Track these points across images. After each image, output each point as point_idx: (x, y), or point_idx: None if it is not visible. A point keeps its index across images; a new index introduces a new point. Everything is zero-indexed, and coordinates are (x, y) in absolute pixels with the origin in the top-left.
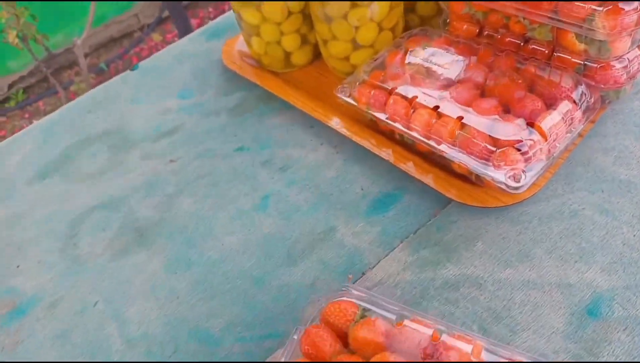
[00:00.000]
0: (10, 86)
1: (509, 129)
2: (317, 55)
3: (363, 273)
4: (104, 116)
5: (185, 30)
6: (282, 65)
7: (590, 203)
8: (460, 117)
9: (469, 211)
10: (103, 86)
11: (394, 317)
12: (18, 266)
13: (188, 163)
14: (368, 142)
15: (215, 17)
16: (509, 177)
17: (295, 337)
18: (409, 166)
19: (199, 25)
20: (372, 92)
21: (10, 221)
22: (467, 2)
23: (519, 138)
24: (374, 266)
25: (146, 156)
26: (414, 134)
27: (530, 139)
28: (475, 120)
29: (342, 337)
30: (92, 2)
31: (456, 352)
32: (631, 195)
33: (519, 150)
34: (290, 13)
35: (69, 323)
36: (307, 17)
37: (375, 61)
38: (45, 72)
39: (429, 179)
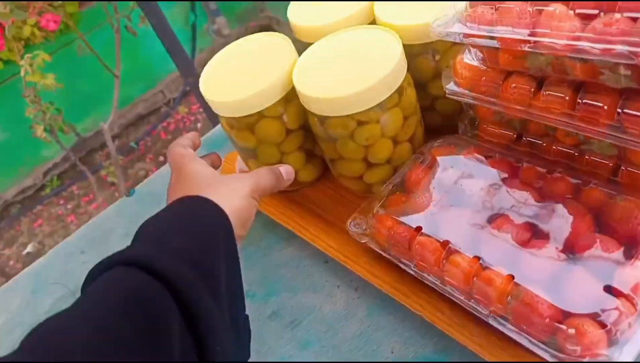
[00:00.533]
0: (45, 175)
1: (579, 289)
2: (326, 167)
3: None
4: (96, 258)
5: (206, 102)
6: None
7: None
8: (511, 277)
9: None
10: (97, 218)
11: None
12: None
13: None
14: (395, 289)
15: None
16: None
17: None
18: (451, 325)
19: None
20: (392, 231)
21: None
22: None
23: (595, 306)
24: None
25: None
26: (450, 289)
27: (613, 309)
28: (531, 275)
29: None
30: (116, 86)
31: None
32: None
33: (601, 325)
34: (288, 131)
35: None
36: (308, 131)
37: (392, 182)
38: (74, 159)
39: (477, 344)
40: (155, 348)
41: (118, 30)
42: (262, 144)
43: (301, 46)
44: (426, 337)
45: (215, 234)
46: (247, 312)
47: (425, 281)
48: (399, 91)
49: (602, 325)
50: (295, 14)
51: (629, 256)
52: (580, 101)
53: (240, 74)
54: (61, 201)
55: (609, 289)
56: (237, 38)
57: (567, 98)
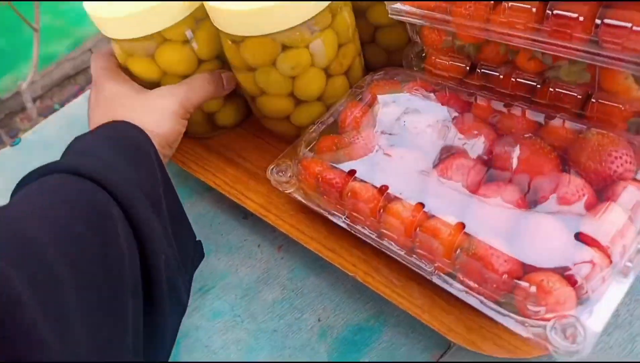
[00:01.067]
0: None
1: (546, 244)
2: (247, 108)
3: None
4: None
5: None
6: (206, 128)
7: None
8: (461, 225)
9: (485, 359)
10: None
11: None
12: None
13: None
14: (324, 247)
15: None
16: (556, 332)
17: None
18: (388, 286)
19: None
20: (321, 176)
21: None
22: (449, 31)
23: (564, 260)
24: None
25: None
26: (388, 244)
27: (586, 262)
28: (486, 227)
29: None
30: (35, 43)
31: None
32: None
33: (569, 281)
34: (200, 61)
35: None
36: (227, 63)
37: (324, 121)
38: None
39: (419, 308)
40: (109, 247)
41: None
42: (167, 76)
43: None
44: (359, 301)
45: (147, 158)
46: None
47: (359, 236)
48: (332, 10)
49: (572, 281)
50: None
51: (602, 199)
52: (550, 12)
53: None
54: None
55: (579, 238)
56: None
57: (534, 10)
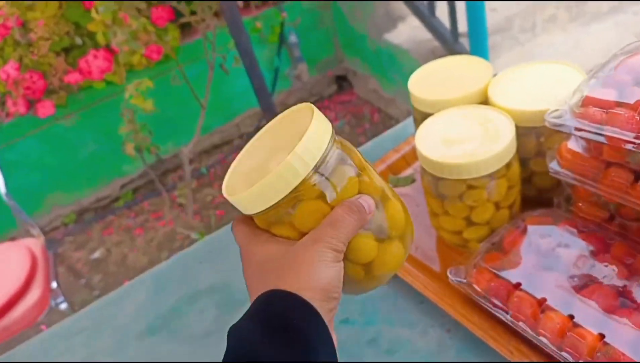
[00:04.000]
0: (122, 187)
1: None
2: None
3: None
4: (213, 269)
5: None
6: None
7: None
8: (602, 336)
9: None
10: (216, 234)
11: None
12: None
13: None
14: (486, 334)
15: None
16: None
17: None
18: None
19: None
20: (492, 283)
21: None
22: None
23: None
24: None
25: None
26: (543, 340)
27: None
28: (619, 338)
29: None
30: (202, 115)
31: None
32: None
33: None
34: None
35: None
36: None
37: (491, 241)
38: (152, 175)
39: None
40: None
41: (212, 67)
42: None
43: (417, 115)
44: None
45: (297, 336)
46: (348, 336)
47: (518, 330)
48: (508, 164)
49: None
50: (414, 84)
51: None
52: None
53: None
54: (132, 214)
55: None
56: (315, 85)
57: None
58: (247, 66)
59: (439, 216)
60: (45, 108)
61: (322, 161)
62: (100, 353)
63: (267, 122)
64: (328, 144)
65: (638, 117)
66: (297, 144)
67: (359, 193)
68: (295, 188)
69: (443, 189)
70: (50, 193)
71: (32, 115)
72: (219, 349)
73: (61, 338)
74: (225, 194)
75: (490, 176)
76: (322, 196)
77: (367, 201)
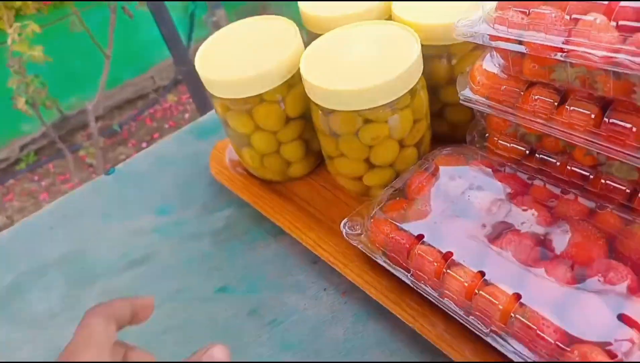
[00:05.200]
0: (22, 149)
1: (591, 320)
2: (322, 160)
3: None
4: (66, 236)
5: (198, 93)
6: (281, 176)
7: None
8: (517, 296)
9: None
10: (71, 194)
11: None
12: None
13: (156, 307)
14: (386, 297)
15: None
16: None
17: None
18: (443, 340)
19: None
20: (392, 234)
21: None
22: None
23: (609, 339)
24: None
25: (107, 293)
26: (448, 303)
27: (626, 340)
28: (539, 299)
29: None
30: (105, 66)
31: None
32: None
33: (609, 353)
34: (288, 119)
35: None
36: (309, 121)
37: (394, 186)
38: (53, 136)
39: (465, 352)
40: None
41: (114, 11)
42: (259, 130)
43: (311, 38)
44: (415, 351)
45: None
46: (225, 308)
47: (420, 292)
48: (412, 92)
49: (612, 355)
50: (306, 3)
51: None
52: (607, 119)
53: (240, 54)
54: (35, 178)
55: (621, 318)
56: None
57: (592, 116)
58: (153, 9)
59: (334, 159)
60: None
61: None
62: None
63: (183, 75)
64: None
65: (568, 18)
66: None
67: None
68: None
69: (335, 125)
70: None
71: None
72: (65, 333)
73: None
74: (202, 74)
75: (391, 106)
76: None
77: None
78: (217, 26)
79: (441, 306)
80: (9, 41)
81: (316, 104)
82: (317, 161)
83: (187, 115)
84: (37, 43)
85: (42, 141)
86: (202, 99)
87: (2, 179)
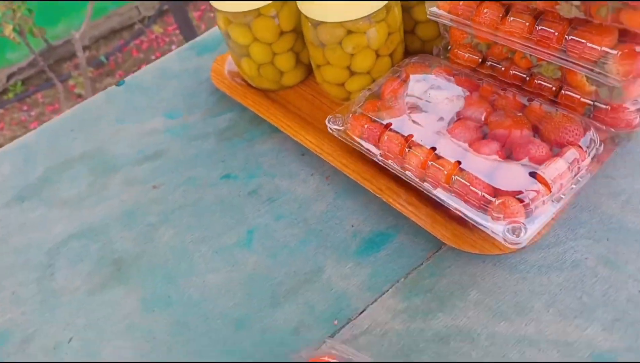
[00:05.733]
0: (9, 78)
1: (511, 178)
2: (310, 72)
3: (349, 320)
4: (86, 137)
5: (185, 22)
6: (274, 85)
7: (594, 253)
8: (458, 162)
9: (464, 256)
10: (86, 102)
11: None
12: None
13: (171, 190)
14: (361, 176)
15: None
16: (508, 231)
17: None
18: (404, 206)
19: (200, 18)
20: (366, 125)
21: None
22: (469, 32)
23: (521, 188)
24: (361, 312)
25: (128, 182)
26: (409, 174)
27: (533, 190)
28: (475, 165)
29: None
30: None
31: None
32: (638, 245)
33: (520, 201)
34: (282, 32)
35: (41, 360)
36: (300, 35)
37: (371, 89)
38: (43, 65)
39: (424, 221)
40: None
41: None
42: (256, 42)
43: None
44: (382, 217)
45: None
46: (229, 190)
47: (388, 168)
48: (387, 7)
49: (522, 201)
50: None
51: (556, 153)
52: (537, 27)
53: None
54: (24, 108)
55: (533, 176)
56: None
57: (527, 24)
58: None
59: (321, 67)
60: None
61: None
62: None
63: (170, 5)
64: None
65: None
66: None
67: None
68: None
69: (322, 35)
70: None
71: None
72: (94, 212)
73: None
74: None
75: (369, 19)
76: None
77: None
78: None
79: (403, 178)
80: None
81: (307, 17)
82: (306, 72)
83: (173, 47)
84: None
85: (30, 70)
86: (189, 30)
87: None
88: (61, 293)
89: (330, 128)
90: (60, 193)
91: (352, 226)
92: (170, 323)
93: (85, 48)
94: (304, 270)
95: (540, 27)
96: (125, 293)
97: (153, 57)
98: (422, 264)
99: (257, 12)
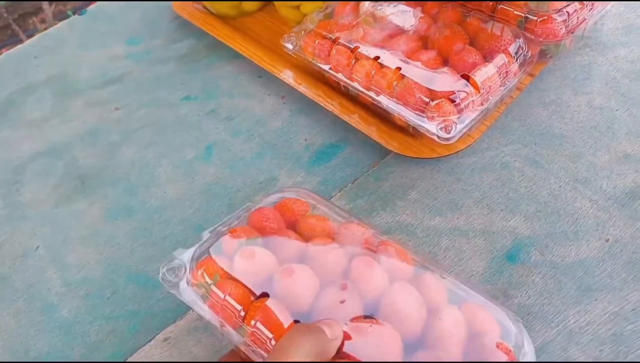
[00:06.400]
0: None
1: (445, 82)
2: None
3: None
4: (49, 62)
5: None
6: (233, 11)
7: (521, 156)
8: (399, 68)
9: (406, 162)
10: (50, 31)
11: (341, 219)
12: None
13: (133, 111)
14: (314, 93)
15: None
16: (441, 128)
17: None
18: (353, 118)
19: None
20: (317, 41)
21: None
22: None
23: (453, 90)
24: None
25: (91, 104)
26: (355, 85)
27: (464, 91)
28: (414, 72)
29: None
30: None
31: (393, 247)
32: (562, 148)
33: (452, 101)
34: None
35: (9, 267)
36: None
37: (324, 10)
38: (7, 17)
39: (371, 131)
40: None
41: None
42: None
43: None
44: (333, 131)
45: None
46: (189, 110)
47: (338, 81)
48: None
49: (453, 101)
50: None
51: (488, 60)
52: None
53: None
54: None
55: (466, 78)
56: None
57: None
58: None
59: None
60: None
61: None
62: None
63: None
64: None
65: None
66: None
67: None
68: None
69: None
70: None
71: None
72: (59, 131)
73: None
74: None
75: None
76: None
77: (331, 328)
78: None
79: (351, 89)
80: None
81: None
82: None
83: (92, 4)
84: None
85: None
86: None
87: None
88: (28, 206)
89: (285, 47)
90: (25, 115)
91: (305, 140)
92: (133, 229)
93: (51, 2)
94: (259, 180)
95: None
96: (89, 205)
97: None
98: (368, 171)
99: None
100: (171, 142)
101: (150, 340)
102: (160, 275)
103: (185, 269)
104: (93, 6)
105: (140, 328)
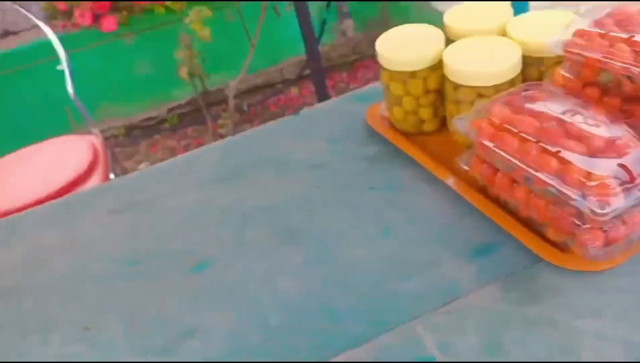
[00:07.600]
0: (169, 111)
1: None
2: (444, 124)
3: (458, 297)
4: (271, 146)
5: (320, 89)
6: (415, 129)
7: None
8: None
9: (557, 271)
10: (272, 123)
11: None
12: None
13: (331, 190)
14: (476, 201)
15: (348, 81)
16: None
17: None
18: (509, 225)
19: (333, 87)
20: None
21: (195, 206)
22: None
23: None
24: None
25: (301, 180)
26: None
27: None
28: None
29: None
30: (250, 53)
31: None
32: None
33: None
34: (428, 91)
35: (235, 282)
36: (440, 94)
37: None
38: (200, 104)
39: (524, 238)
40: None
41: (265, 8)
42: (408, 95)
43: (449, 42)
44: (491, 233)
45: None
46: (374, 197)
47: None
48: (511, 81)
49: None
50: (450, 18)
51: None
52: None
53: (409, 43)
54: (176, 137)
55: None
56: (359, 43)
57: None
58: (299, 11)
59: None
60: (109, 23)
61: None
62: (182, 192)
63: (311, 70)
64: None
65: (606, 43)
66: None
67: None
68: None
69: (460, 95)
70: (105, 105)
71: (96, 28)
72: (277, 194)
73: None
74: (381, 52)
75: (497, 88)
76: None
77: None
78: (343, 34)
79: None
80: (187, 20)
81: (449, 80)
82: (440, 123)
83: (305, 107)
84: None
85: (186, 107)
86: (323, 94)
87: (150, 134)
88: (250, 245)
89: (460, 166)
90: (252, 182)
91: (468, 235)
92: (325, 278)
93: (233, 97)
94: (425, 260)
95: (624, 107)
96: (295, 252)
97: (287, 112)
98: (521, 270)
99: (413, 73)
100: (357, 220)
101: None
102: None
103: None
104: (304, 111)
105: None
